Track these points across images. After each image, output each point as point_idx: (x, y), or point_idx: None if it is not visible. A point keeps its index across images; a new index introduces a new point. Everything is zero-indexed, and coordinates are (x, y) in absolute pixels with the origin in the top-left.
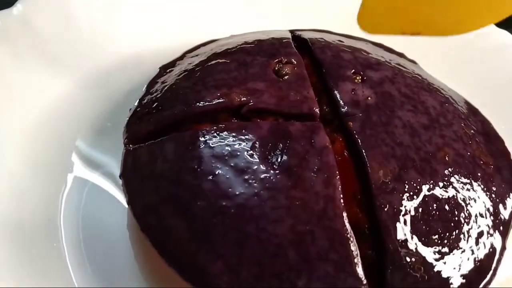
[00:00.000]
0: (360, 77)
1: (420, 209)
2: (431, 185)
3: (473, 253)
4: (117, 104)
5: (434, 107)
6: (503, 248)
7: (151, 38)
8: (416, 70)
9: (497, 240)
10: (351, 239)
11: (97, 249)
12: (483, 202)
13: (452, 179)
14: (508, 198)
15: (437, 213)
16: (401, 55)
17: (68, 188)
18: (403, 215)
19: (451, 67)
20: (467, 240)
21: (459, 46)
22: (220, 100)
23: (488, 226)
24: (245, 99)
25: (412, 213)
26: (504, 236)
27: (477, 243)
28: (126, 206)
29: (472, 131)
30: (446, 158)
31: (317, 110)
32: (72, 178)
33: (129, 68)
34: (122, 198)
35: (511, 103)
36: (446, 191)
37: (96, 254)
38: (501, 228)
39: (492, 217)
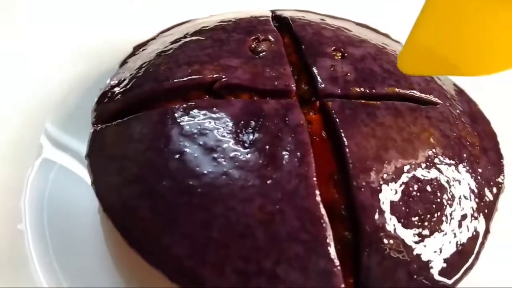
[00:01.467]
0: (340, 54)
1: (400, 190)
2: (413, 166)
3: (455, 236)
4: (89, 86)
5: (419, 84)
6: (487, 231)
7: (128, 19)
8: (401, 49)
9: (481, 223)
10: (324, 219)
11: (63, 233)
12: (468, 184)
13: (436, 160)
14: (494, 181)
15: (418, 194)
16: (386, 35)
17: (35, 171)
18: (382, 196)
19: None
20: (450, 223)
21: None
22: (192, 77)
23: (472, 209)
24: (217, 75)
25: (391, 194)
26: (488, 219)
27: (460, 226)
28: None
29: (458, 111)
30: (431, 139)
31: (293, 86)
32: (40, 161)
33: (103, 48)
34: None
35: (498, 84)
36: (429, 172)
37: (62, 238)
38: (486, 211)
39: (476, 200)
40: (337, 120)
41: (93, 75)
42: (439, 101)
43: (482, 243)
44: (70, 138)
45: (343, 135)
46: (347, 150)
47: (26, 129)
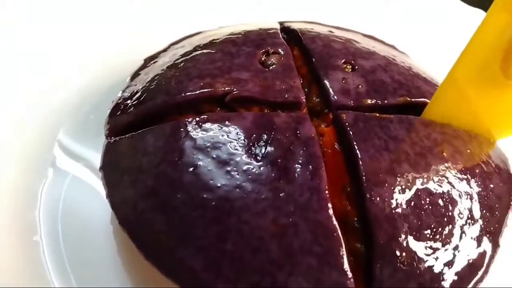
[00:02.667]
0: (351, 66)
1: (412, 203)
2: (425, 179)
3: (465, 249)
4: (101, 97)
5: (432, 94)
6: (496, 245)
7: (139, 30)
8: (409, 60)
9: (490, 237)
10: (336, 231)
11: (77, 244)
12: (479, 199)
13: (448, 174)
14: (504, 198)
15: (430, 207)
16: (392, 46)
17: (49, 182)
18: (394, 209)
19: (442, 61)
20: (460, 236)
21: (451, 40)
22: (203, 90)
23: (483, 223)
24: (229, 88)
25: (404, 206)
26: (497, 234)
27: (470, 239)
28: None
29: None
30: (444, 153)
31: (303, 98)
32: (54, 171)
33: (114, 60)
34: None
35: None
36: (441, 186)
37: (76, 248)
38: (496, 225)
39: (487, 214)
40: (351, 132)
41: (105, 86)
42: None
43: (492, 257)
44: (83, 149)
45: (356, 147)
46: (360, 162)
47: (39, 140)
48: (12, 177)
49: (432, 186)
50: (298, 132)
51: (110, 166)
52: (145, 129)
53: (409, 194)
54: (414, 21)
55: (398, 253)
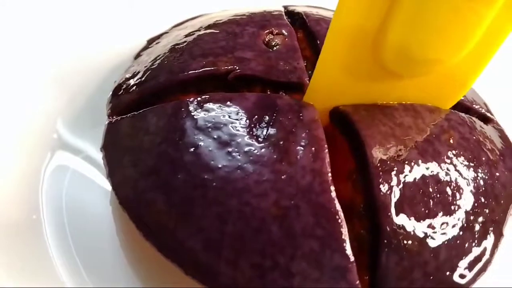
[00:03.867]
0: None
1: (420, 191)
2: (433, 167)
3: (471, 238)
4: (103, 81)
5: None
6: (500, 235)
7: (142, 13)
8: None
9: (495, 226)
10: (339, 214)
11: (79, 226)
12: (485, 187)
13: (455, 162)
14: (509, 186)
15: (438, 195)
16: None
17: (51, 168)
18: (402, 196)
19: None
20: (467, 225)
21: None
22: (206, 68)
23: (488, 212)
24: (232, 66)
25: (411, 194)
26: (502, 223)
27: (476, 228)
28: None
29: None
30: (451, 140)
31: (306, 80)
32: (55, 157)
33: (114, 47)
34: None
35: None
36: (448, 174)
37: (77, 230)
38: (501, 214)
39: (493, 203)
40: (354, 121)
41: (104, 71)
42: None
43: (495, 246)
44: (85, 133)
45: (362, 133)
46: (367, 149)
47: (39, 126)
48: (11, 165)
49: (439, 173)
50: (301, 114)
51: (111, 146)
52: (147, 108)
53: (417, 181)
54: None
55: (405, 241)
